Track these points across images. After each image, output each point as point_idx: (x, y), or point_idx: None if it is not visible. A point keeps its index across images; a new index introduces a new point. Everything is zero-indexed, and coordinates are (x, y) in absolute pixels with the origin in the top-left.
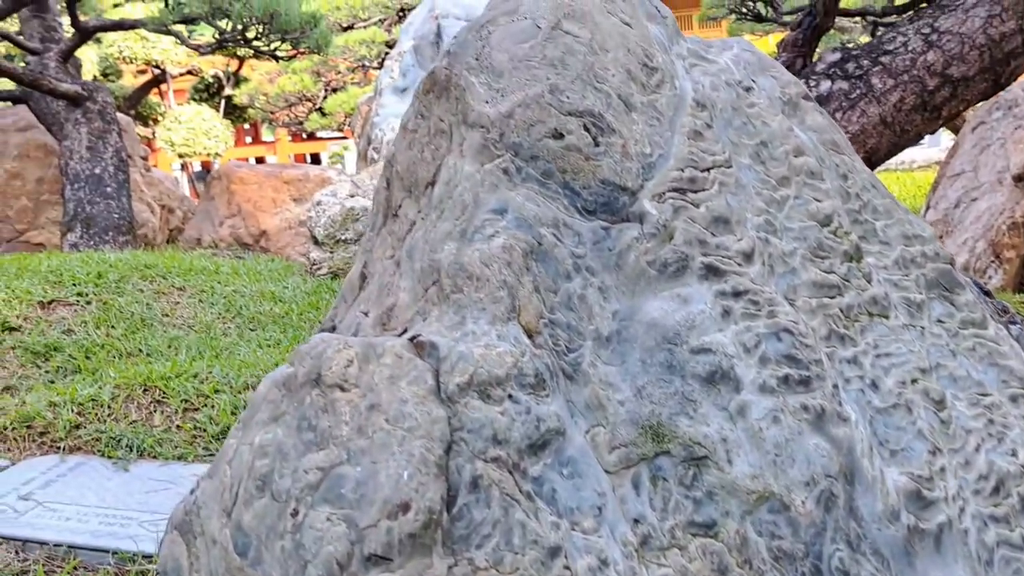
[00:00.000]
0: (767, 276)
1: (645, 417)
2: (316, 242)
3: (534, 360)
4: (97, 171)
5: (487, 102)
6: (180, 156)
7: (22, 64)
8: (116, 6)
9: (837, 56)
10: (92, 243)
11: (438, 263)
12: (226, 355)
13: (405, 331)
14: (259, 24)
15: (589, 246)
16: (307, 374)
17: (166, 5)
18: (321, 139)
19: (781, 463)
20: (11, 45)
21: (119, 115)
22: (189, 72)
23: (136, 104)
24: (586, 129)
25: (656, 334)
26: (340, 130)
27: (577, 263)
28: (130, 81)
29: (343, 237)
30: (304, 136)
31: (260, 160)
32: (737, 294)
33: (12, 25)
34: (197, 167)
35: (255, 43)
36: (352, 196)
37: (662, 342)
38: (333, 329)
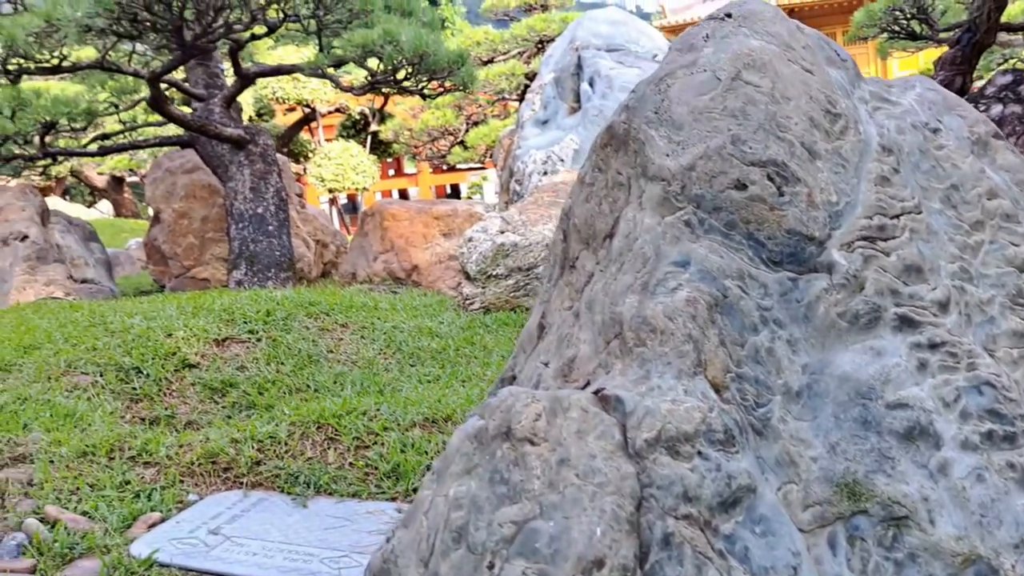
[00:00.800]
0: (964, 326)
1: (840, 474)
2: (468, 277)
3: (722, 415)
4: (260, 211)
5: (667, 155)
6: (329, 191)
7: (188, 110)
8: (270, 49)
9: (1009, 79)
10: (256, 279)
11: (620, 316)
12: (389, 391)
13: (588, 384)
14: (408, 65)
15: (776, 298)
16: (497, 427)
17: (320, 50)
18: (461, 170)
19: (987, 524)
20: (176, 91)
21: (278, 155)
22: (337, 110)
23: (288, 142)
24: (770, 179)
25: (849, 388)
26: (481, 163)
27: (764, 315)
28: (281, 119)
29: (494, 273)
30: (444, 168)
31: (403, 192)
32: (933, 346)
33: (178, 72)
34: (342, 198)
35: (404, 83)
36: (502, 232)
37: (855, 397)
38: (513, 379)
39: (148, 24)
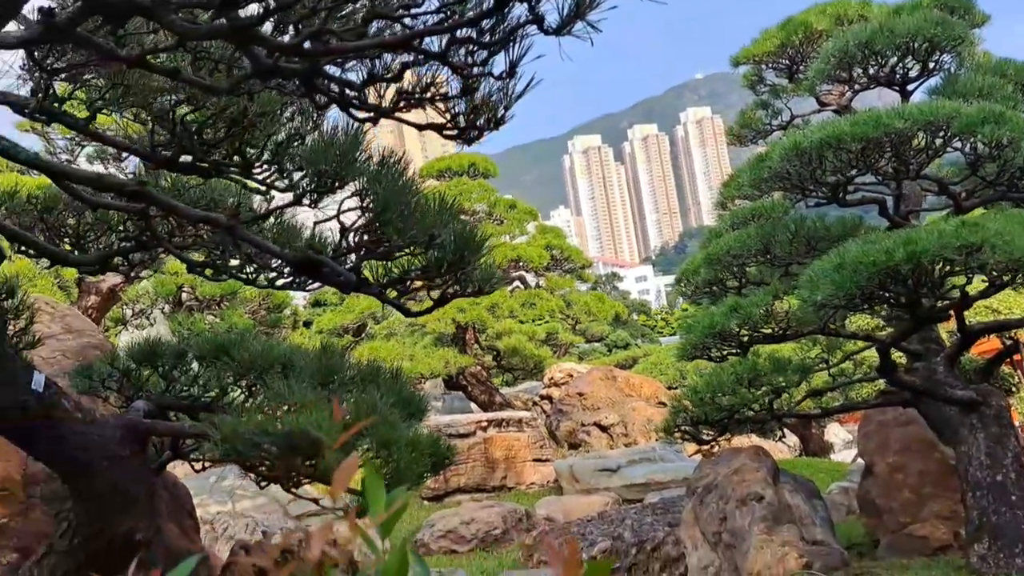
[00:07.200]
0: None
1: None
2: None
3: None
4: (999, 479)
5: None
6: None
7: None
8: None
9: None
10: (1001, 556)
11: None
12: None
13: None
14: None
15: None
16: None
17: None
18: None
19: None
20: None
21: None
22: None
23: (988, 377)
24: None
25: None
26: None
27: None
28: (976, 351)
29: None
30: None
31: None
32: None
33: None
34: None
35: None
36: None
37: None
38: None
39: (881, 298)
